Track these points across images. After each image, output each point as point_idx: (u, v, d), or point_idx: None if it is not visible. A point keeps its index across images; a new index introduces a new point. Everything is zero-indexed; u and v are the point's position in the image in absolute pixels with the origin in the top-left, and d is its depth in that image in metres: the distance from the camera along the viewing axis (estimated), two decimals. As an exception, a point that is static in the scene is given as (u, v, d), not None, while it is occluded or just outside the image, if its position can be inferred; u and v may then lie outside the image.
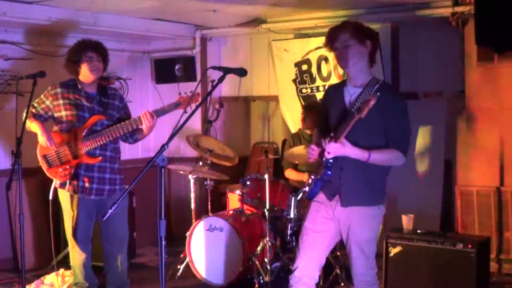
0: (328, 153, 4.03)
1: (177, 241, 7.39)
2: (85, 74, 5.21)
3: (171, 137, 3.51)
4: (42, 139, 5.15)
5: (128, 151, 7.05)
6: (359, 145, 4.06)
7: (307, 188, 4.32)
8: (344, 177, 4.17)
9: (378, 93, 3.88)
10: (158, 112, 5.17)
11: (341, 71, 7.42)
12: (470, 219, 6.65)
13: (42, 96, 5.29)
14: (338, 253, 6.21)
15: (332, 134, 4.05)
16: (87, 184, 5.19)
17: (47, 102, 5.26)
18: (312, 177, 4.26)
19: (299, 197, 4.42)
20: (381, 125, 4.12)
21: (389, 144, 4.10)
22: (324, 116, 4.45)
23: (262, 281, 6.00)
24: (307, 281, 4.30)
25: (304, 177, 6.64)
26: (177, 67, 8.20)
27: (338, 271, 5.98)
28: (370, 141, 4.11)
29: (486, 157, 6.64)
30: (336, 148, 4.00)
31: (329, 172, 4.12)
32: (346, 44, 4.18)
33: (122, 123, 5.17)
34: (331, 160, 4.08)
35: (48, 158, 5.23)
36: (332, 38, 4.26)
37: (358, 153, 4.03)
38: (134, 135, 5.35)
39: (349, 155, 4.03)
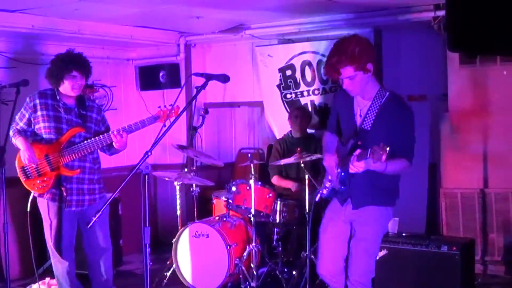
0: (352, 169, 4.14)
1: (163, 248, 7.38)
2: (67, 89, 5.14)
3: (154, 144, 3.52)
4: (24, 155, 5.11)
5: (114, 159, 7.03)
6: None
7: (324, 191, 4.51)
8: (355, 182, 4.30)
9: (388, 148, 3.87)
10: (131, 128, 5.09)
11: (324, 76, 7.47)
12: (455, 222, 6.69)
13: (22, 109, 5.23)
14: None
15: (357, 153, 4.08)
16: (66, 196, 5.15)
17: (27, 115, 5.20)
18: (328, 183, 4.45)
19: (317, 199, 4.57)
20: (388, 135, 4.19)
21: (397, 154, 4.13)
22: (336, 120, 4.61)
23: (248, 286, 6.00)
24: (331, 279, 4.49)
25: (290, 184, 6.66)
26: (161, 74, 8.19)
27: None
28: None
29: (470, 159, 6.69)
30: (361, 168, 4.08)
31: (343, 187, 4.33)
32: (351, 76, 4.23)
33: (101, 136, 5.11)
34: (343, 174, 4.28)
35: (26, 170, 5.17)
36: (335, 71, 4.27)
37: (378, 166, 4.10)
38: (111, 148, 5.30)
39: (371, 168, 4.12)
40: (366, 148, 4.04)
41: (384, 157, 3.81)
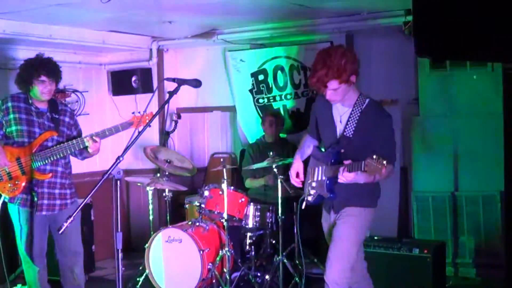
0: (341, 179, 4.23)
1: (136, 254, 7.35)
2: (36, 94, 5.11)
3: (125, 150, 3.52)
4: None
5: (86, 164, 6.99)
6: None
7: (310, 198, 4.58)
8: (337, 189, 4.40)
9: (385, 162, 3.94)
10: (104, 133, 5.07)
11: (297, 81, 7.50)
12: (426, 224, 6.75)
13: None
14: (297, 262, 6.24)
15: (346, 163, 4.18)
16: (37, 200, 5.12)
17: None
18: (313, 191, 4.52)
19: (303, 207, 4.62)
20: (370, 142, 4.28)
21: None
22: (315, 125, 4.69)
23: (222, 291, 6.01)
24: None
25: (263, 180, 6.69)
26: (134, 78, 8.16)
27: (297, 279, 6.01)
28: (363, 158, 4.20)
29: (440, 163, 6.76)
30: (351, 178, 4.17)
31: (332, 195, 4.42)
32: (335, 88, 4.28)
33: (74, 140, 5.09)
34: (328, 182, 4.38)
35: None
36: (322, 84, 4.31)
37: (367, 178, 4.20)
38: (83, 153, 5.27)
39: (359, 181, 4.21)
40: (348, 155, 4.19)
41: (384, 171, 3.90)
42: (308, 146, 4.75)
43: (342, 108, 4.45)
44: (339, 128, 4.45)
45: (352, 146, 4.32)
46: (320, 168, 4.48)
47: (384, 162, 3.88)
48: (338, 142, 4.41)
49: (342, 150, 4.34)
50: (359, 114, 4.36)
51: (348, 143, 4.35)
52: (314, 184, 4.52)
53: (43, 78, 5.08)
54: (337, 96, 4.36)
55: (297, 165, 4.68)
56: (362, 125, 4.35)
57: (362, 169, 4.02)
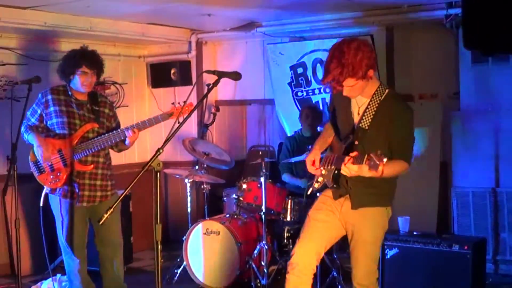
0: (343, 170, 4.01)
1: (174, 245, 7.39)
2: (77, 85, 5.14)
3: (166, 142, 3.52)
4: (37, 151, 5.12)
5: (125, 156, 7.05)
6: None
7: (316, 185, 4.40)
8: (352, 181, 4.20)
9: (385, 159, 3.76)
10: (145, 124, 5.08)
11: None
12: (466, 220, 6.67)
13: (34, 105, 5.23)
14: (335, 256, 6.21)
15: (352, 155, 3.96)
16: (78, 191, 5.16)
17: (39, 111, 5.19)
18: (321, 178, 4.34)
19: (308, 192, 4.50)
20: (386, 136, 4.12)
21: (395, 155, 4.07)
22: (333, 115, 4.50)
23: (259, 284, 6.00)
24: (301, 268, 4.28)
25: (300, 181, 6.65)
26: (172, 71, 8.19)
27: (335, 273, 5.98)
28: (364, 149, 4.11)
29: (481, 158, 6.67)
30: (354, 171, 3.95)
31: (335, 186, 4.27)
32: (352, 85, 4.11)
33: (114, 131, 5.13)
34: (336, 172, 4.20)
35: (39, 165, 5.17)
36: (338, 84, 4.10)
37: (373, 174, 3.92)
38: (119, 145, 5.30)
39: (365, 175, 3.96)
40: (363, 148, 4.02)
41: (380, 168, 3.71)
42: (329, 135, 4.62)
43: (360, 99, 4.25)
44: (356, 119, 4.26)
45: (368, 138, 4.14)
46: (333, 157, 4.35)
47: (385, 159, 3.69)
48: (353, 133, 4.23)
49: (356, 142, 4.20)
50: (377, 105, 4.16)
51: (363, 135, 4.17)
52: (323, 172, 4.38)
53: (85, 69, 5.11)
54: (355, 92, 4.17)
55: (314, 154, 4.46)
56: (378, 117, 4.14)
57: (363, 162, 3.84)
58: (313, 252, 4.33)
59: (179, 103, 5.08)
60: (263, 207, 6.06)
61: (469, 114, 6.76)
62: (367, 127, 4.16)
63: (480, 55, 6.39)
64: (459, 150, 6.83)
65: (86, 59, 5.14)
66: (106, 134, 5.14)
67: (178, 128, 3.62)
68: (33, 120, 5.23)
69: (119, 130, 5.14)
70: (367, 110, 4.18)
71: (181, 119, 3.83)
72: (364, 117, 4.18)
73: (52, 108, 5.16)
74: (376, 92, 4.19)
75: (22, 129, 5.18)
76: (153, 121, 5.11)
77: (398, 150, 4.08)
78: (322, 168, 4.35)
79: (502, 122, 6.59)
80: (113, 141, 5.14)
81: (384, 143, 4.10)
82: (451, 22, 6.50)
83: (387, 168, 3.83)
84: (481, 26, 3.12)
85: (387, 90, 4.21)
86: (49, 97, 5.18)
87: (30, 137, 5.16)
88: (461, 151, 6.80)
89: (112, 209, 3.38)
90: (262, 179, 6.07)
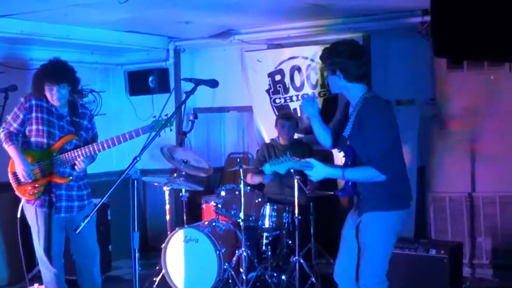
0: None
1: (153, 253, 7.35)
2: (49, 99, 5.10)
3: (143, 149, 3.53)
4: (18, 169, 5.05)
5: (103, 164, 7.02)
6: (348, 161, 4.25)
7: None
8: (359, 189, 4.32)
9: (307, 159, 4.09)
10: (125, 138, 4.99)
11: (313, 81, 7.50)
12: (443, 225, 6.73)
13: (15, 109, 5.15)
14: (314, 263, 6.23)
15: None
16: (56, 203, 5.12)
17: (21, 116, 5.12)
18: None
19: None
20: (361, 142, 4.19)
21: (367, 161, 4.13)
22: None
23: (238, 291, 6.01)
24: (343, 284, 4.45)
25: (259, 178, 6.73)
26: (151, 79, 8.19)
27: (313, 279, 6.00)
28: (360, 159, 4.20)
29: (458, 163, 6.73)
30: (313, 177, 4.21)
31: (340, 193, 4.51)
32: (326, 73, 4.30)
33: (94, 144, 5.07)
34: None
35: (18, 176, 5.12)
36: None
37: (332, 173, 4.20)
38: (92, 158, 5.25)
39: (326, 177, 4.15)
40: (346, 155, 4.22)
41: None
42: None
43: (351, 109, 4.35)
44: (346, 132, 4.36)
45: (348, 146, 4.26)
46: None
47: (306, 160, 4.11)
48: (343, 142, 4.35)
49: (338, 150, 4.35)
50: (357, 112, 4.23)
51: (345, 143, 4.30)
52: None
53: (49, 85, 5.04)
54: (329, 84, 4.41)
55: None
56: (356, 124, 4.21)
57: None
58: (346, 268, 4.47)
59: (160, 115, 4.95)
60: (241, 214, 6.07)
61: (445, 120, 6.83)
62: (347, 135, 4.25)
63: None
64: (436, 155, 6.88)
65: (48, 75, 5.05)
66: (86, 147, 5.08)
67: (155, 136, 3.63)
68: (15, 125, 5.13)
69: (99, 143, 5.05)
70: (351, 117, 4.26)
71: (161, 133, 3.84)
72: (349, 125, 4.27)
73: (34, 114, 5.09)
74: (358, 103, 4.26)
75: (1, 136, 5.11)
76: (133, 134, 4.99)
77: (368, 156, 4.14)
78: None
79: (478, 127, 6.65)
80: (92, 152, 5.07)
81: (361, 149, 4.16)
82: (427, 29, 6.56)
83: (349, 172, 4.14)
84: (451, 33, 3.15)
85: (363, 97, 4.26)
86: (33, 102, 5.11)
87: (10, 150, 5.08)
88: (438, 156, 6.86)
89: (89, 218, 3.38)
90: (240, 186, 6.08)
